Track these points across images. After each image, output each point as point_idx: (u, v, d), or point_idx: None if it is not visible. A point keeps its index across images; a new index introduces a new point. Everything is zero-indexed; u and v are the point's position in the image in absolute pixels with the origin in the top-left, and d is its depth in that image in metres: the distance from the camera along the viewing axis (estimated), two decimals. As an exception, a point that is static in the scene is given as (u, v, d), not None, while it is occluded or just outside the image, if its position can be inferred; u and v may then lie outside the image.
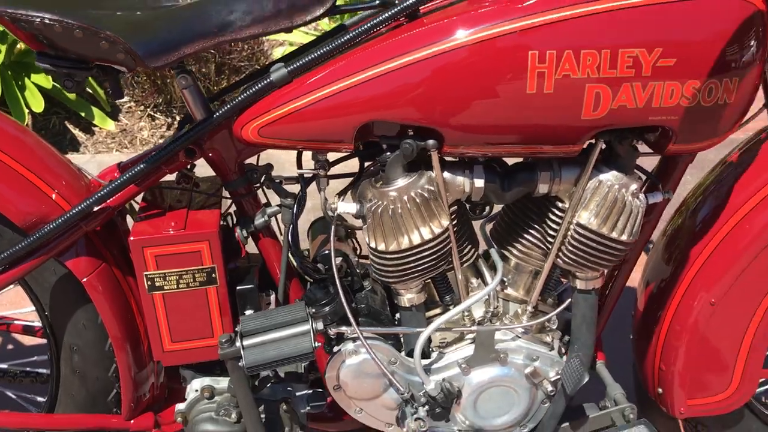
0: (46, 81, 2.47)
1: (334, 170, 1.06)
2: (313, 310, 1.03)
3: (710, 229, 1.15)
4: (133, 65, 0.86)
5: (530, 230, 1.07)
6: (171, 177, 1.07)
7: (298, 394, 1.13)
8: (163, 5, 0.89)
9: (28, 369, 1.28)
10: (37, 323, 1.16)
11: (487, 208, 1.11)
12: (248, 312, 1.05)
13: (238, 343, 0.96)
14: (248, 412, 1.02)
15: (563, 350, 1.14)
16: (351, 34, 0.94)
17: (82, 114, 2.66)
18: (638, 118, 0.92)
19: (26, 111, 2.44)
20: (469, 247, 1.08)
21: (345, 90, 0.91)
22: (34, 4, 0.83)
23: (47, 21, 0.81)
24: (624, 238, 1.00)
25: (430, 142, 0.94)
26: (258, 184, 1.08)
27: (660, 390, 1.24)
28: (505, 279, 1.12)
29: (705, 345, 1.18)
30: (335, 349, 1.06)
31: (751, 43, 0.90)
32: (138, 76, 2.65)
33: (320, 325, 1.00)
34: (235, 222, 1.10)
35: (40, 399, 1.20)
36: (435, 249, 0.99)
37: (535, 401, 1.13)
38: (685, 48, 0.88)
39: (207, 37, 0.89)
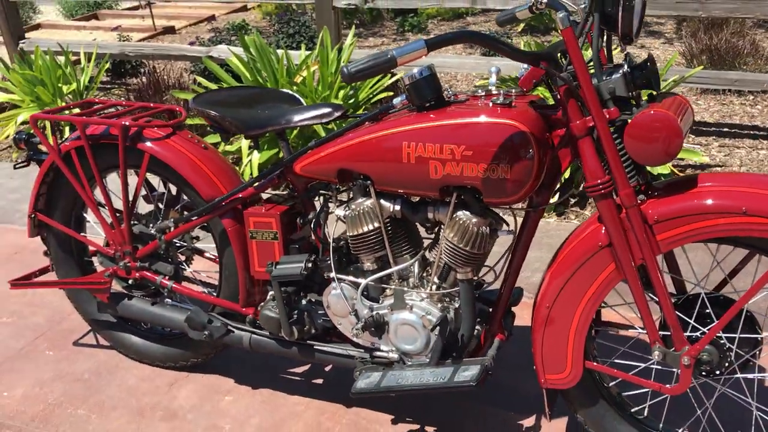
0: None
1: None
2: (317, 260, 2.02)
3: (556, 256, 1.86)
4: (241, 133, 1.99)
5: (436, 242, 1.93)
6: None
7: (320, 312, 2.12)
8: (265, 110, 2.01)
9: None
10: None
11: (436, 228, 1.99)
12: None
13: (273, 267, 2.01)
14: (281, 309, 2.05)
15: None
16: (342, 129, 1.93)
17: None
18: (459, 180, 1.75)
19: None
20: (406, 245, 1.96)
21: (327, 154, 1.91)
22: (205, 104, 2.02)
23: (211, 113, 1.99)
24: (468, 249, 1.81)
25: (368, 182, 1.88)
26: (315, 197, 2.12)
27: (535, 367, 1.95)
28: (429, 268, 1.98)
29: (548, 336, 1.86)
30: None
31: (516, 146, 1.68)
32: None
33: (308, 264, 1.99)
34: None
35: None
36: (372, 238, 1.92)
37: (432, 339, 1.95)
38: (477, 147, 1.70)
39: (279, 125, 1.98)
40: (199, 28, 8.40)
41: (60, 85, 4.63)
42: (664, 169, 3.33)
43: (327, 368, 2.47)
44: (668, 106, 1.62)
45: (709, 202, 1.62)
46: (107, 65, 5.33)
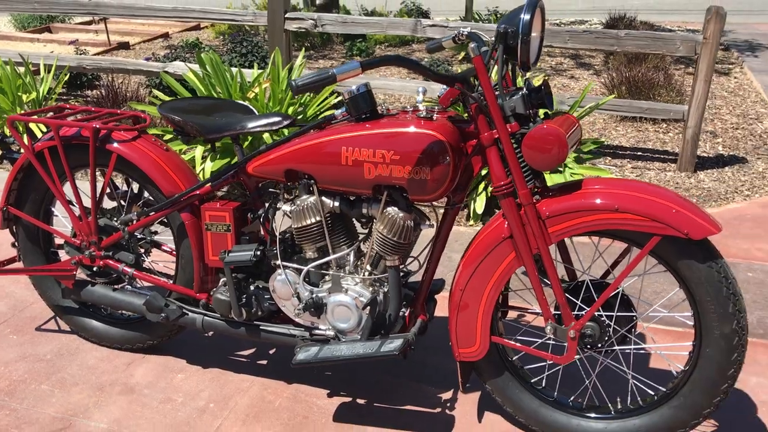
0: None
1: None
2: (265, 250, 2.32)
3: (468, 248, 2.20)
4: (202, 138, 2.28)
5: (369, 234, 2.25)
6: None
7: (266, 296, 2.41)
8: (223, 117, 2.31)
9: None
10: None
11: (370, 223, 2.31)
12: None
13: (226, 255, 2.30)
14: (232, 292, 2.33)
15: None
16: (290, 135, 2.25)
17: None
18: (389, 180, 2.08)
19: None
20: (343, 237, 2.28)
21: (276, 156, 2.22)
22: (170, 110, 2.31)
23: (175, 118, 2.28)
24: (396, 239, 2.14)
25: (312, 181, 2.20)
26: (264, 195, 2.42)
27: (451, 343, 2.27)
28: (363, 257, 2.29)
29: (461, 315, 2.19)
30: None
31: (435, 152, 2.01)
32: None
33: (258, 252, 2.28)
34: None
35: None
36: (314, 230, 2.23)
37: (363, 318, 2.26)
38: (403, 152, 2.03)
39: (235, 130, 2.28)
40: (153, 44, 8.62)
41: (20, 94, 4.82)
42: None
43: (271, 351, 2.75)
44: (559, 123, 1.98)
45: (590, 201, 1.98)
46: (67, 77, 5.53)
